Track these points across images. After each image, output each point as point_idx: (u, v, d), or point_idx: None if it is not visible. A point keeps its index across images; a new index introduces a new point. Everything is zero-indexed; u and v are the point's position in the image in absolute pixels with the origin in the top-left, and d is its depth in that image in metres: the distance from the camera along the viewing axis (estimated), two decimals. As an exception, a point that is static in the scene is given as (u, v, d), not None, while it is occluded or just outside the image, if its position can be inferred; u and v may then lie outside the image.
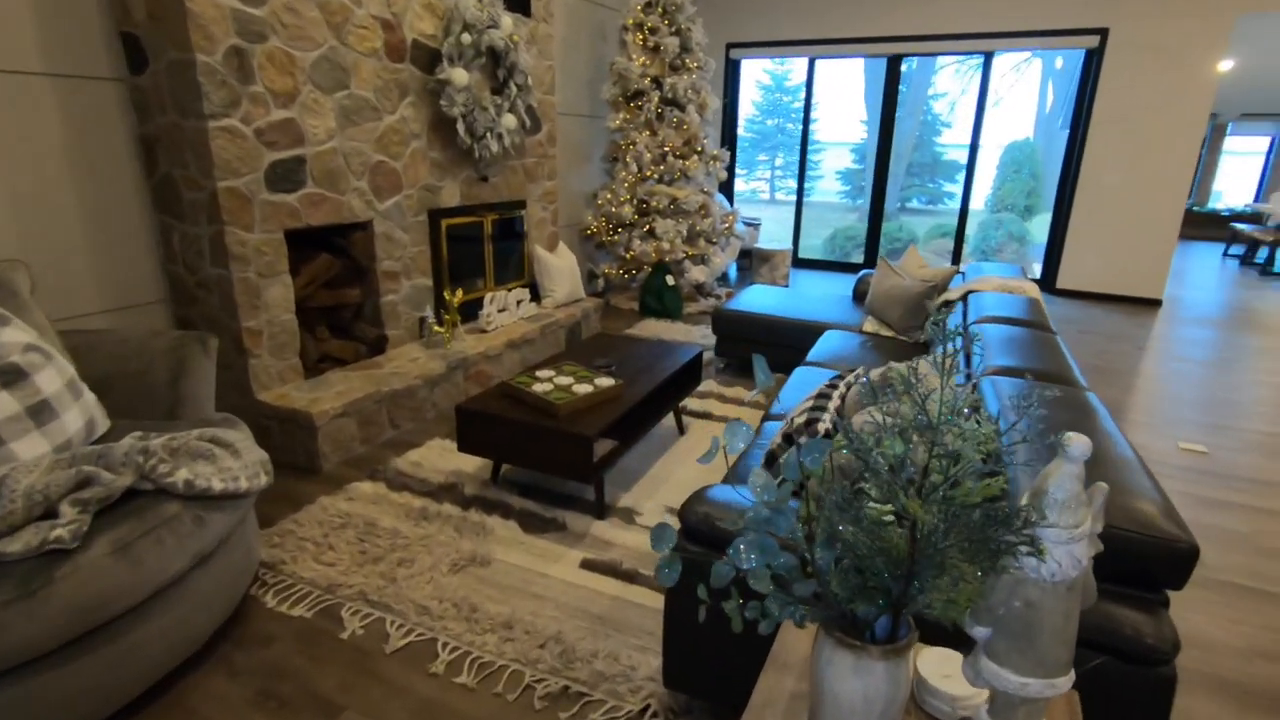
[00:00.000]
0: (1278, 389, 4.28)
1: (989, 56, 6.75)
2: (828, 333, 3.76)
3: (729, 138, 7.48)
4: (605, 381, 2.75)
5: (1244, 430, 3.65)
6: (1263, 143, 11.86)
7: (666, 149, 5.50)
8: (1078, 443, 0.80)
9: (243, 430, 2.03)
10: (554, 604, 2.11)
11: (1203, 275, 8.36)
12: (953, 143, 18.91)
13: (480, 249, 4.27)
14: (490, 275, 4.39)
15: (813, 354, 3.37)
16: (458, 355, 3.64)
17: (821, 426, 1.85)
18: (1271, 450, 3.41)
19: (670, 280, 5.55)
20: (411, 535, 2.43)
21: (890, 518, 0.82)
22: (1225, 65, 8.05)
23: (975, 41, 6.57)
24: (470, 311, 4.23)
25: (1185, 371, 4.58)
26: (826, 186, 20.47)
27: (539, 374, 2.83)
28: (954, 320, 3.28)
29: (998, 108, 20.19)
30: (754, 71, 21.02)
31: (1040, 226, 13.34)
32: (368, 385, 3.19)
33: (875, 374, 1.99)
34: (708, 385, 4.06)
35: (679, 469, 3.00)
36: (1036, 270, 8.04)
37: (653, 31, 5.41)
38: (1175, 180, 6.17)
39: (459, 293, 3.82)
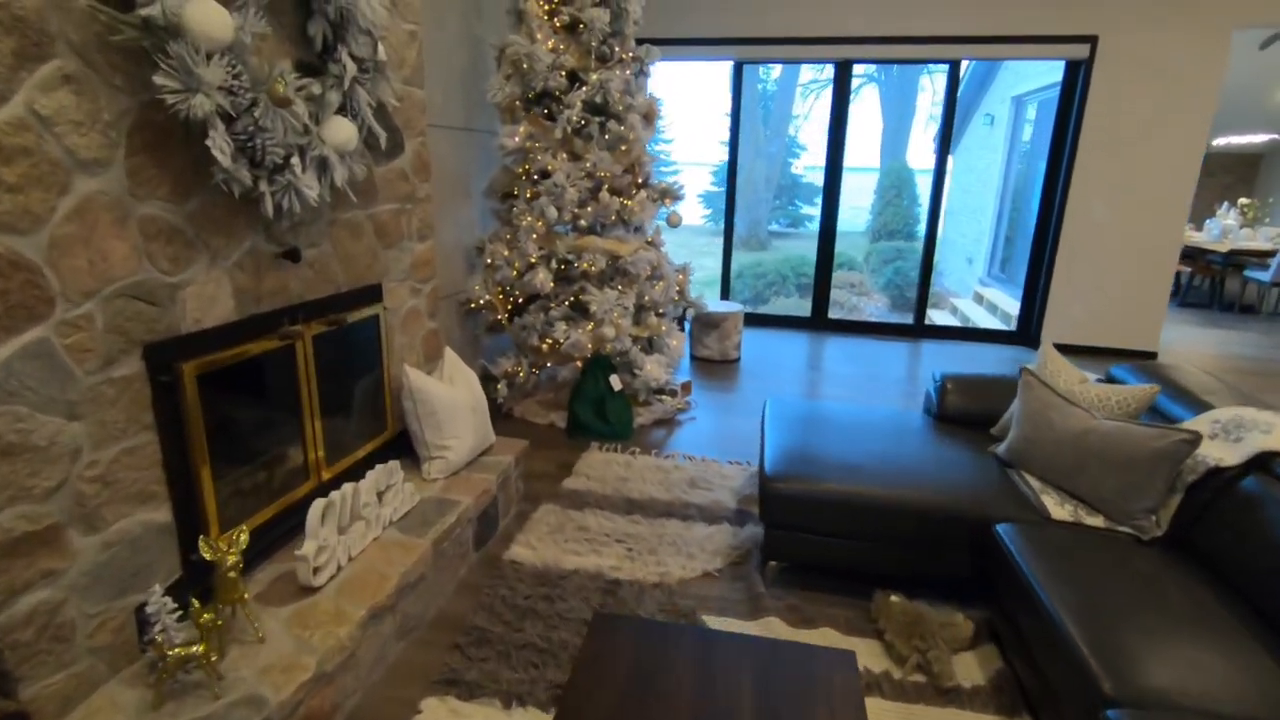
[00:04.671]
0: None
1: (954, 65, 5.56)
2: (1001, 529, 2.04)
3: (641, 161, 5.66)
4: None
5: None
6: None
7: (601, 178, 3.55)
8: None
9: None
10: None
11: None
12: (811, 164, 18.72)
13: (292, 400, 2.05)
14: (316, 444, 2.16)
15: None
16: (243, 703, 1.45)
17: None
18: None
19: (616, 383, 3.60)
20: None
21: None
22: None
23: (941, 47, 5.34)
24: (276, 537, 1.99)
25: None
26: (687, 212, 19.48)
27: None
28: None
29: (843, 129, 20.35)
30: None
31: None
32: None
33: None
34: (767, 623, 2.18)
35: None
36: (979, 312, 6.73)
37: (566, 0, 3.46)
38: (1170, 214, 5.29)
39: (241, 532, 1.61)
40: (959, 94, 11.13)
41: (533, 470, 3.19)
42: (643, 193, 3.66)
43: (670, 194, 3.81)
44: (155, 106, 1.46)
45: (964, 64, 9.00)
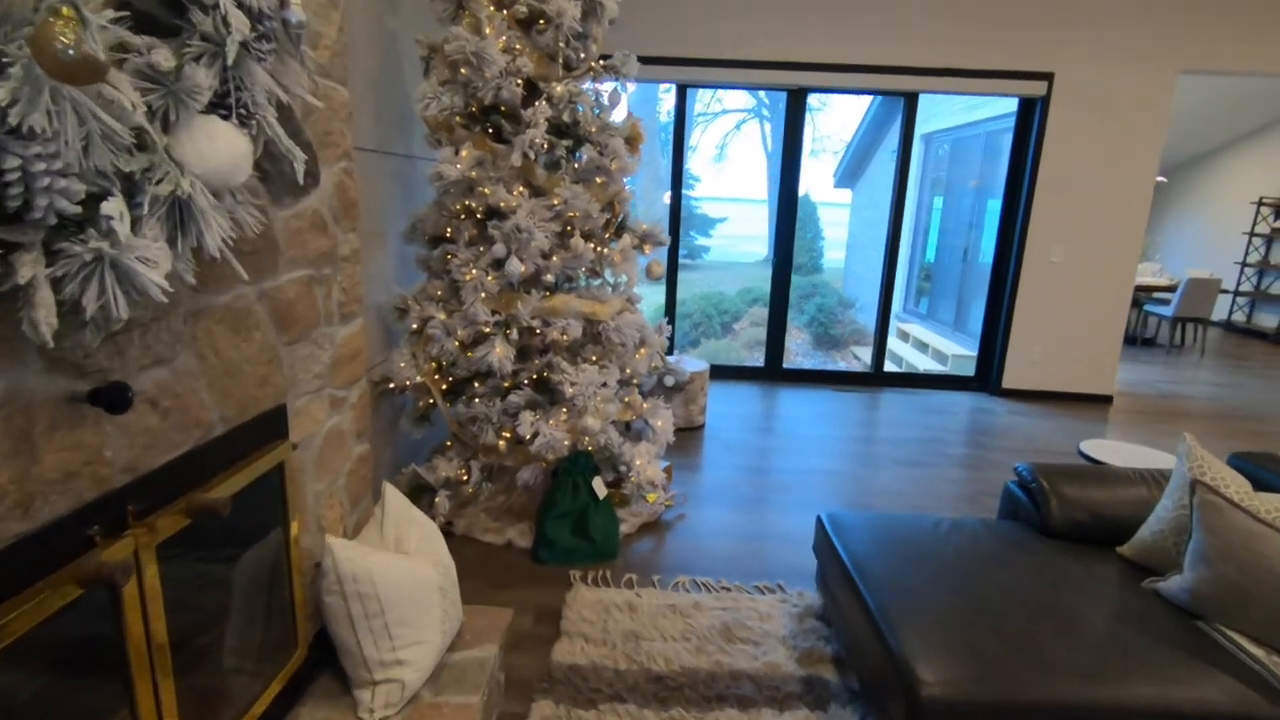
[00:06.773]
0: None
1: (910, 98, 5.21)
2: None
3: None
4: None
5: None
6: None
7: (571, 219, 2.70)
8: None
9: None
10: None
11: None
12: (704, 194, 18.72)
13: (118, 676, 1.03)
14: (169, 723, 1.14)
15: None
16: None
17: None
18: None
19: (600, 488, 2.72)
20: None
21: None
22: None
23: (897, 78, 4.97)
24: None
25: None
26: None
27: None
28: None
29: (722, 161, 20.74)
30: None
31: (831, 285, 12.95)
32: None
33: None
34: None
35: None
36: (907, 350, 6.34)
37: (520, -14, 2.61)
38: (1123, 252, 5.19)
39: None
40: (862, 130, 11.22)
41: (518, 655, 2.23)
42: (625, 238, 2.85)
43: (652, 238, 3.01)
44: None
45: (873, 100, 8.82)
